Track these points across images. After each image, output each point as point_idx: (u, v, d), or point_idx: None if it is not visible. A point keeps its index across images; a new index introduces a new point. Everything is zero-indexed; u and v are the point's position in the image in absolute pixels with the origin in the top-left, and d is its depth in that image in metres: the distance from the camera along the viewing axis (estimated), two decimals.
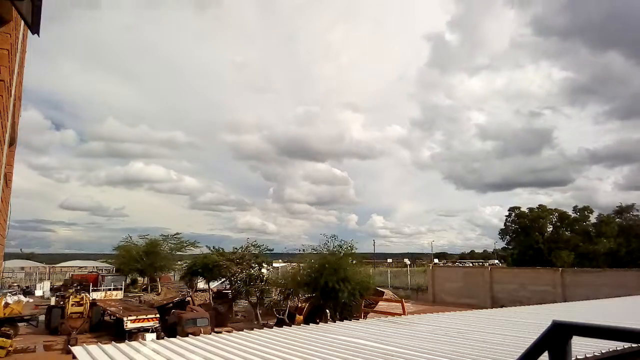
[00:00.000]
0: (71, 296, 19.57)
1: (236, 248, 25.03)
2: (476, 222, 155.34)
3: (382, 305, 21.76)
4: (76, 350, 5.68)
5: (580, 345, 5.60)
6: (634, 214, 49.74)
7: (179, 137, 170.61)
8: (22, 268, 48.28)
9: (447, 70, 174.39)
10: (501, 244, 63.11)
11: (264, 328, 7.82)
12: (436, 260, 74.04)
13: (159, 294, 28.17)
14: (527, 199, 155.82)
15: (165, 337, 6.72)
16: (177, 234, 36.64)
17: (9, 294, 27.85)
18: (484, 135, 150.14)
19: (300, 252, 22.79)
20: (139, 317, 17.95)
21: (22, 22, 4.37)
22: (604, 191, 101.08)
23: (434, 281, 34.32)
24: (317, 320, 12.44)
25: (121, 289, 30.19)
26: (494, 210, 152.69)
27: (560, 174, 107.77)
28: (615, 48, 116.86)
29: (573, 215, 52.68)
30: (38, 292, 35.40)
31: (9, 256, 45.87)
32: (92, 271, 43.98)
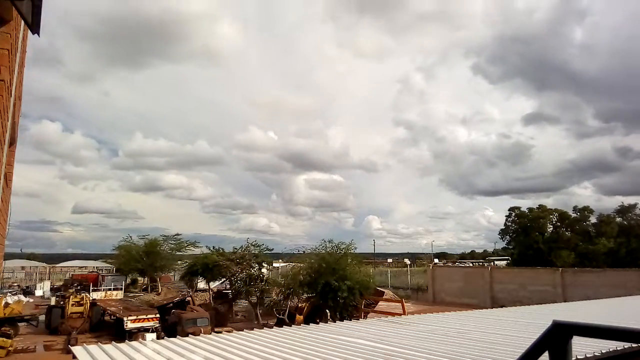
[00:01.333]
0: (71, 296, 19.57)
1: (236, 248, 25.03)
2: (467, 224, 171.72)
3: (382, 305, 21.77)
4: (76, 350, 5.68)
5: (580, 345, 5.60)
6: (636, 213, 49.79)
7: (200, 150, 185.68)
8: (22, 268, 48.24)
9: (414, 103, 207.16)
10: (501, 244, 63.21)
11: (264, 328, 7.82)
12: (436, 260, 73.96)
13: (159, 294, 28.16)
14: (513, 204, 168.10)
15: (166, 337, 6.72)
16: (177, 234, 36.65)
17: (9, 294, 27.86)
18: (462, 150, 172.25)
19: (300, 252, 22.84)
20: (139, 317, 17.95)
21: (22, 22, 4.37)
22: (582, 196, 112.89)
23: (434, 281, 34.31)
24: (317, 320, 12.43)
25: (121, 289, 30.18)
26: (483, 214, 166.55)
27: (536, 183, 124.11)
28: (550, 88, 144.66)
29: (573, 215, 52.71)
30: (38, 292, 35.37)
31: (9, 256, 45.87)
32: (92, 271, 43.98)
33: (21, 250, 63.19)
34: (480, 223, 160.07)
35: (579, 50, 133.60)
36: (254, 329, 7.57)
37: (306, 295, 20.96)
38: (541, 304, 15.07)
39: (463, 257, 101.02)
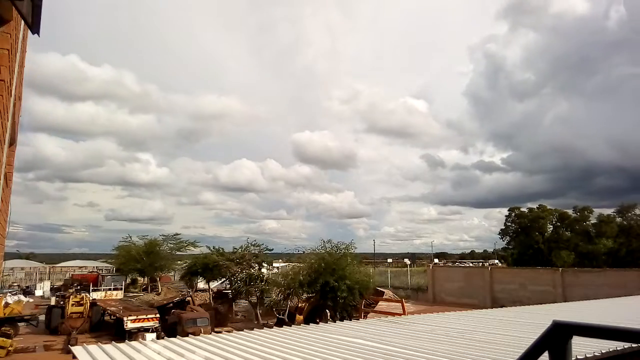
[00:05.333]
0: (71, 296, 19.58)
1: (236, 248, 25.02)
2: (451, 229, 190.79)
3: (382, 305, 21.77)
4: (76, 350, 5.68)
5: (580, 345, 5.60)
6: (635, 213, 49.77)
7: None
8: (22, 268, 48.22)
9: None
10: (501, 244, 63.21)
11: (264, 328, 7.83)
12: (436, 260, 73.94)
13: (159, 294, 28.16)
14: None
15: (166, 337, 6.73)
16: (177, 234, 36.64)
17: (9, 294, 27.87)
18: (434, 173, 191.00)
19: (300, 252, 22.83)
20: (139, 317, 17.95)
21: (22, 22, 4.37)
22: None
23: (434, 281, 34.31)
24: (317, 320, 12.44)
25: (121, 289, 30.16)
26: (465, 221, 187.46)
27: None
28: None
29: (573, 215, 52.69)
30: (38, 292, 35.42)
31: (8, 256, 45.82)
32: (92, 271, 43.97)
33: (17, 250, 62.98)
34: (462, 227, 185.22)
35: None
36: (254, 329, 7.58)
37: (306, 295, 20.95)
38: (541, 304, 15.06)
39: (463, 257, 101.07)
